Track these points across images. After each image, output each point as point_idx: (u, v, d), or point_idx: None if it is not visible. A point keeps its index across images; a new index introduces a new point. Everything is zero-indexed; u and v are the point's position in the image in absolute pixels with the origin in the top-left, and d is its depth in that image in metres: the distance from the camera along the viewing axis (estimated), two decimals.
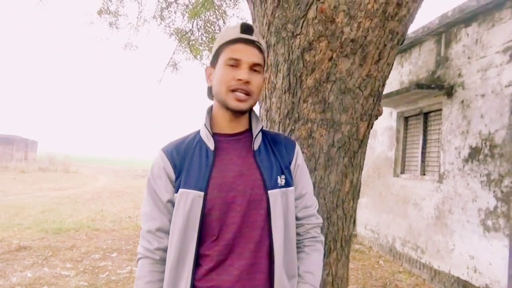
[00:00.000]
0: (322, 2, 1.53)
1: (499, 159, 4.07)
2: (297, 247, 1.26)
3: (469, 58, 4.66)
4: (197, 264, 1.15)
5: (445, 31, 5.14)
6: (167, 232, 1.18)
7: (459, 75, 4.80)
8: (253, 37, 1.17)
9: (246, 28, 1.17)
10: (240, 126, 1.23)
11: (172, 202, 1.18)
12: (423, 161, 5.69)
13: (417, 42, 5.72)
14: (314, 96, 1.62)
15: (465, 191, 4.55)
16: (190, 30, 7.70)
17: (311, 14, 1.56)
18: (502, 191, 4.00)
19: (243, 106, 1.15)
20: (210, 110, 1.25)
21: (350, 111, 1.63)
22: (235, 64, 1.14)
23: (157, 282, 1.17)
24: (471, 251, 4.39)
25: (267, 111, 1.76)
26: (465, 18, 4.71)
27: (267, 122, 1.75)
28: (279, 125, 1.69)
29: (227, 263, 1.13)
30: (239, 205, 1.14)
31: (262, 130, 1.27)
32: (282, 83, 1.68)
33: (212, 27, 7.78)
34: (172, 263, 1.15)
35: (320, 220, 1.30)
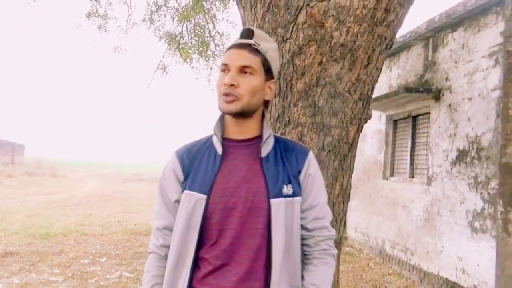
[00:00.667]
0: (312, 7, 1.54)
1: (486, 162, 4.13)
2: (306, 259, 1.24)
3: (456, 62, 4.74)
4: (197, 266, 1.16)
5: (433, 35, 5.22)
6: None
7: (447, 79, 4.88)
8: (247, 41, 1.18)
9: (243, 33, 1.20)
10: (248, 131, 1.22)
11: (180, 203, 1.20)
12: (411, 164, 5.76)
13: (405, 46, 5.80)
14: (304, 100, 1.63)
15: (453, 193, 4.61)
16: (180, 33, 7.69)
17: (301, 18, 1.57)
18: (489, 193, 4.06)
19: (231, 107, 1.14)
20: (223, 116, 1.25)
21: (340, 115, 1.65)
22: (225, 69, 1.17)
23: (162, 276, 1.21)
24: (459, 252, 4.44)
25: None
26: (452, 23, 4.80)
27: None
28: None
29: (226, 268, 1.13)
30: (240, 211, 1.14)
31: (275, 137, 1.26)
32: None
33: (201, 30, 7.77)
34: (172, 263, 1.17)
35: (333, 233, 1.26)
